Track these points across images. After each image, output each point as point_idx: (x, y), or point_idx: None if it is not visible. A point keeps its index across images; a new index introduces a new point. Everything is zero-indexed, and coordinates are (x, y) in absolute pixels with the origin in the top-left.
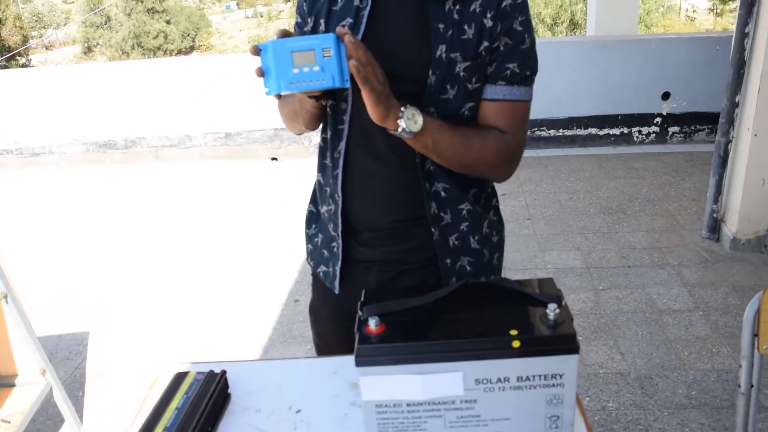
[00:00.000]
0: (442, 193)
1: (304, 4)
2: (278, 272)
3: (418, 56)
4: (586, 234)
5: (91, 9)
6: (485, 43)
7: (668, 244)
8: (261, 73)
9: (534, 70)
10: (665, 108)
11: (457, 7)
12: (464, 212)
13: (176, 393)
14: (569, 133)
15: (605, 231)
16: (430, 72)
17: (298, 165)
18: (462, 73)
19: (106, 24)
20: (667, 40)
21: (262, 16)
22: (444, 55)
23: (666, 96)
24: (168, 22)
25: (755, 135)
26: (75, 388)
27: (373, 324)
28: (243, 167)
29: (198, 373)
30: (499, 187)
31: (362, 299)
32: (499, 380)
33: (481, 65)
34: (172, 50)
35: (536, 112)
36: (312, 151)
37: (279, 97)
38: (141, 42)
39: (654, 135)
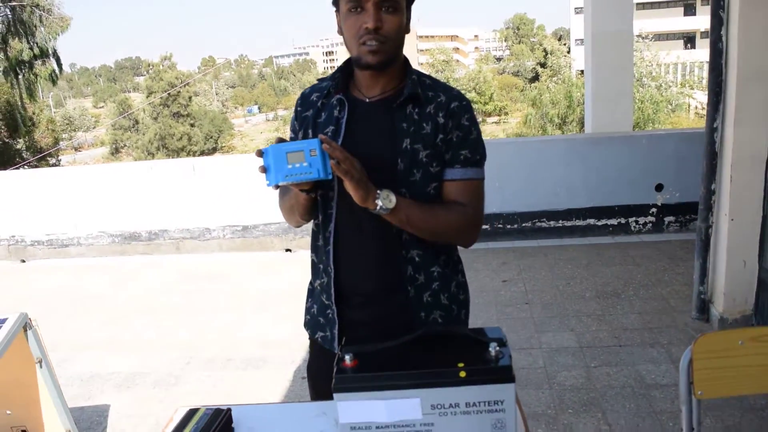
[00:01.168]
0: (416, 258)
1: (295, 123)
2: (289, 352)
3: (388, 149)
4: (581, 316)
5: (120, 113)
6: (440, 135)
7: (659, 325)
8: (263, 170)
9: (483, 155)
10: (659, 199)
11: (416, 110)
12: (435, 274)
13: (187, 424)
14: (568, 224)
15: (599, 314)
16: (399, 160)
17: (309, 255)
18: (424, 159)
19: (134, 127)
20: (656, 136)
21: (281, 119)
22: (408, 147)
23: (659, 188)
24: (192, 125)
25: (732, 219)
26: None
27: (348, 359)
28: (259, 258)
29: (207, 409)
30: (500, 274)
31: (342, 344)
32: (450, 405)
33: (439, 153)
34: (195, 151)
35: (535, 204)
36: None
37: (277, 187)
38: (166, 144)
39: (651, 225)
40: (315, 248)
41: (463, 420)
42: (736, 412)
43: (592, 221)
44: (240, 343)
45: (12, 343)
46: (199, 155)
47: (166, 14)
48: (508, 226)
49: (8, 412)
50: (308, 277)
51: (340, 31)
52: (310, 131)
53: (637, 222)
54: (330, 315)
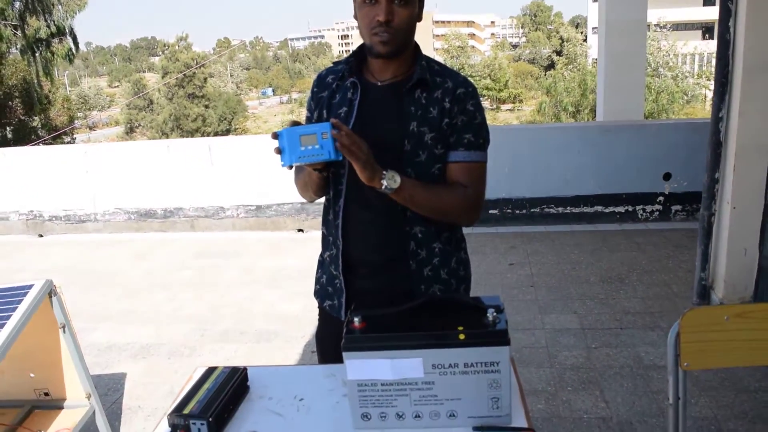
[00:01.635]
0: (419, 234)
1: (311, 103)
2: (300, 326)
3: (396, 131)
4: (584, 300)
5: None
6: (446, 120)
7: (660, 309)
8: (278, 151)
9: (486, 140)
10: (667, 188)
11: (424, 94)
12: (436, 250)
13: (207, 379)
14: (576, 210)
15: (602, 297)
16: (406, 141)
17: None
18: (430, 141)
19: (148, 107)
20: (666, 126)
21: (296, 101)
22: (415, 129)
23: (667, 177)
24: (207, 107)
25: (734, 208)
26: (112, 419)
27: (356, 321)
28: (272, 237)
29: (225, 367)
30: (508, 258)
31: (352, 308)
32: (450, 365)
33: (444, 136)
34: (209, 132)
35: (544, 190)
36: None
37: (291, 168)
38: (180, 124)
39: (658, 213)
40: (326, 222)
41: (461, 379)
42: (730, 393)
43: (599, 208)
44: (253, 317)
45: (38, 309)
46: (212, 136)
47: None
48: (517, 212)
49: (32, 374)
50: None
51: (356, 16)
52: (324, 111)
53: (644, 210)
54: (338, 284)
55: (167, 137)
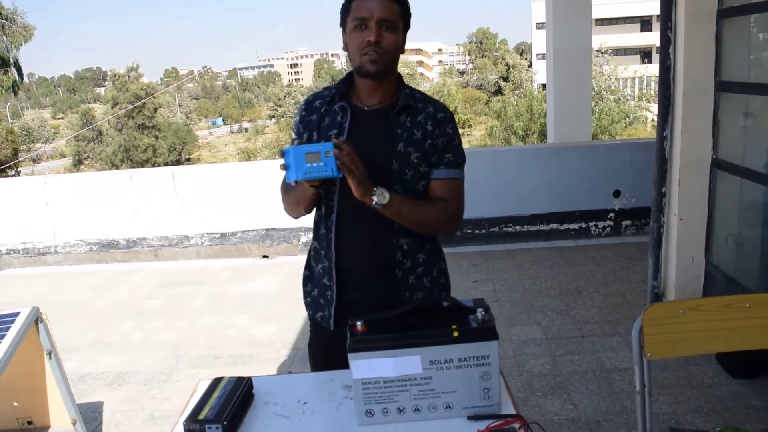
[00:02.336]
0: (405, 246)
1: (300, 126)
2: (274, 349)
3: (385, 151)
4: (546, 311)
5: (84, 124)
6: (429, 141)
7: (618, 317)
8: (284, 167)
9: (463, 159)
10: (617, 204)
11: (409, 119)
12: (420, 260)
13: (216, 388)
14: (533, 228)
15: (563, 309)
16: (394, 161)
17: (286, 261)
18: (415, 161)
19: (97, 138)
20: (614, 146)
21: (247, 131)
22: (402, 150)
23: (617, 194)
24: (156, 137)
25: (681, 219)
26: None
27: (359, 325)
28: (237, 264)
29: (230, 378)
30: (471, 276)
31: (351, 317)
32: (446, 361)
33: (427, 155)
34: (160, 163)
35: (502, 210)
36: (300, 250)
37: (297, 183)
38: (130, 155)
39: (609, 228)
40: (317, 236)
41: (456, 373)
42: (686, 389)
43: (555, 226)
44: (226, 342)
45: (26, 336)
46: (164, 167)
47: (127, 24)
48: (477, 231)
49: (15, 404)
50: (287, 282)
51: (345, 47)
52: (315, 133)
53: (596, 226)
54: (329, 296)
55: (117, 169)
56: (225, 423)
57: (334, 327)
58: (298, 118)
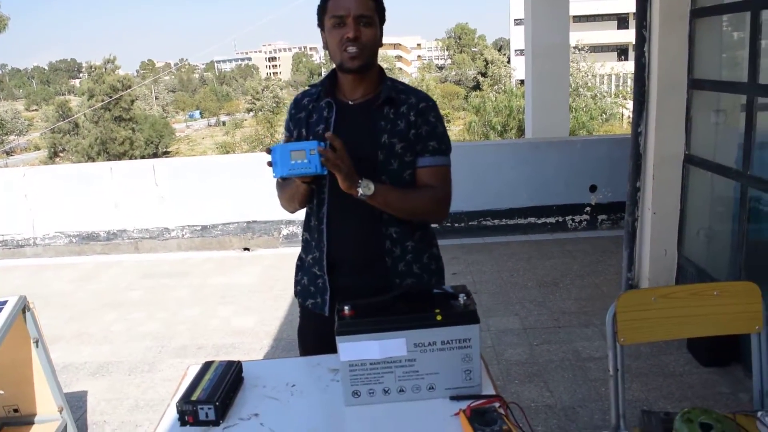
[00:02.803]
0: (394, 234)
1: (290, 123)
2: (257, 339)
3: (370, 143)
4: (524, 303)
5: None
6: (412, 131)
7: (593, 308)
8: (270, 164)
9: (449, 146)
10: (593, 199)
11: (392, 110)
12: (409, 247)
13: (208, 370)
14: (511, 222)
15: (540, 300)
16: (379, 152)
17: (268, 254)
18: (400, 151)
19: (73, 130)
20: (590, 141)
21: (224, 125)
22: (387, 141)
23: (593, 188)
24: (133, 130)
25: (654, 213)
26: None
27: (347, 309)
28: (218, 256)
29: (221, 362)
30: (450, 268)
31: (338, 302)
32: (429, 343)
33: (411, 145)
34: (137, 156)
35: (481, 204)
36: (281, 242)
37: (283, 179)
38: (107, 148)
39: (585, 222)
40: (308, 227)
41: (439, 355)
42: (658, 378)
43: (532, 219)
44: (209, 332)
45: (13, 325)
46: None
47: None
48: (456, 225)
49: (1, 392)
50: (268, 273)
51: (326, 46)
52: (303, 130)
53: (573, 220)
54: (321, 284)
55: (93, 161)
56: (217, 403)
57: (329, 313)
58: (288, 116)
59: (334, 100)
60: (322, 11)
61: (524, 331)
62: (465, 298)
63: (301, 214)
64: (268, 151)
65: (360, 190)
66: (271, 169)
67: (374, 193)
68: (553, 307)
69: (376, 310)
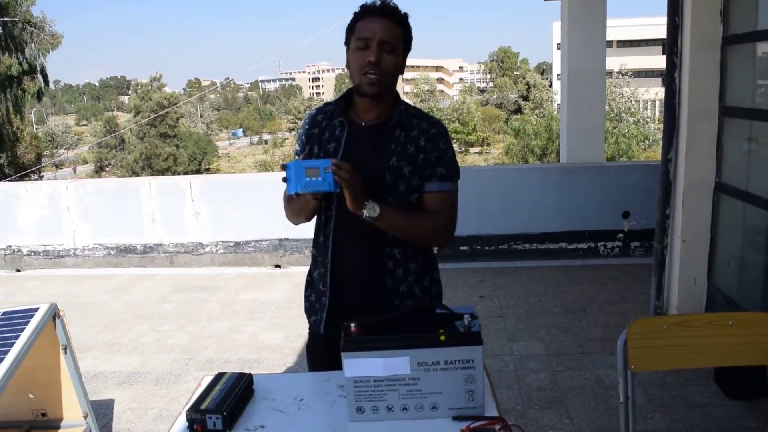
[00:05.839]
0: (397, 256)
1: (303, 138)
2: (282, 356)
3: (379, 165)
4: (550, 328)
5: (107, 131)
6: (421, 155)
7: (620, 336)
8: (285, 180)
9: (457, 173)
10: (626, 225)
11: (403, 134)
12: (411, 269)
13: (218, 382)
14: (542, 246)
15: (567, 326)
16: (387, 174)
17: (298, 271)
18: (407, 174)
19: (119, 146)
20: (624, 167)
21: (266, 143)
22: (395, 163)
23: (626, 215)
24: (177, 146)
25: (683, 241)
26: None
27: (353, 326)
28: (250, 272)
29: (232, 373)
30: (478, 291)
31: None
32: (432, 363)
33: (419, 169)
34: (179, 172)
35: (512, 227)
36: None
37: (297, 195)
38: (151, 163)
39: (618, 249)
40: (316, 244)
41: (442, 375)
42: (682, 408)
43: (564, 245)
44: (236, 347)
45: (43, 331)
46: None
47: (152, 34)
48: (486, 248)
49: (30, 395)
50: (298, 291)
51: (348, 65)
52: (315, 146)
53: (605, 246)
54: (323, 301)
55: (137, 176)
56: (225, 414)
57: (325, 331)
58: (302, 131)
59: (347, 119)
60: (350, 31)
61: (548, 356)
62: (469, 319)
63: None
64: (283, 167)
65: (366, 212)
66: (285, 185)
67: (379, 216)
68: (579, 334)
69: (382, 329)
